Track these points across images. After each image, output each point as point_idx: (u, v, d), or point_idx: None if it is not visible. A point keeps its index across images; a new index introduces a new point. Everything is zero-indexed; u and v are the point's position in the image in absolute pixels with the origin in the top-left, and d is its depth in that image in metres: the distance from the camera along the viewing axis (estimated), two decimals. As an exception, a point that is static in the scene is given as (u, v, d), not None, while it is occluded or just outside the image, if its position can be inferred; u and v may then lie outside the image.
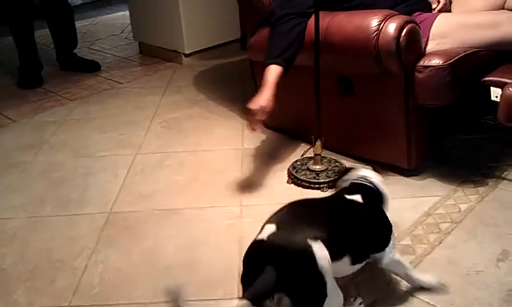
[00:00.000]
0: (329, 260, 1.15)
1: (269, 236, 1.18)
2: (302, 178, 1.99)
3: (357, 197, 1.36)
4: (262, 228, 1.22)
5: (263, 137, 2.39)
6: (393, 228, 1.38)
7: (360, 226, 1.32)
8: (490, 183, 1.92)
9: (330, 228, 1.22)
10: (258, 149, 2.29)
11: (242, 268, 1.19)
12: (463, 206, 1.80)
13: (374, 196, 1.41)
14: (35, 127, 2.70)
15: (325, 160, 2.06)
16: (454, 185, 1.92)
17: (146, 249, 1.70)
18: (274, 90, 1.87)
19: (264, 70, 1.93)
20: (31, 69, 3.36)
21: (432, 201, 1.84)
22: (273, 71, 1.90)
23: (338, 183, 1.51)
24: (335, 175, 1.98)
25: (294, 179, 2.01)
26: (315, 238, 1.15)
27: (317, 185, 1.96)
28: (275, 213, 1.27)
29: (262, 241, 1.18)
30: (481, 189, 1.89)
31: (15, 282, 1.59)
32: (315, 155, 2.02)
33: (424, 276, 1.42)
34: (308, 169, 2.03)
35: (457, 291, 1.43)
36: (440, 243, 1.62)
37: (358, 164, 1.81)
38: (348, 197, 1.37)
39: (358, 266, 1.31)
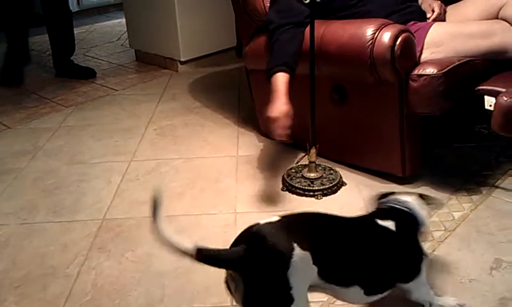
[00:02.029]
0: (310, 274, 1.09)
1: (264, 223, 1.12)
2: (296, 185, 1.99)
3: (389, 224, 1.27)
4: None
5: (258, 144, 2.40)
6: (426, 260, 1.32)
7: (381, 256, 1.23)
8: (484, 192, 1.92)
9: (336, 249, 1.15)
10: (253, 157, 2.29)
11: None
12: (457, 215, 1.80)
13: (410, 224, 1.32)
14: (29, 134, 2.69)
15: (320, 168, 2.06)
16: (448, 193, 1.92)
17: (139, 256, 1.70)
18: (288, 96, 1.86)
19: (270, 79, 1.91)
20: (16, 66, 3.44)
21: (426, 209, 1.84)
22: (282, 78, 1.89)
23: (376, 204, 1.41)
24: (329, 183, 1.98)
25: (288, 186, 2.01)
26: (304, 247, 1.07)
27: (311, 193, 1.96)
28: (297, 214, 1.21)
29: (256, 224, 1.12)
30: (475, 197, 1.89)
31: (7, 289, 1.58)
32: (310, 162, 2.02)
33: (445, 301, 1.39)
34: (302, 176, 2.03)
35: (451, 300, 1.43)
36: (434, 251, 1.62)
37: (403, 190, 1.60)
38: (379, 222, 1.27)
39: (376, 297, 1.24)
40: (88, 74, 3.55)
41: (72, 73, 3.55)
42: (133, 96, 3.16)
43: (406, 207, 1.34)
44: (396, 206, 1.35)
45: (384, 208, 1.36)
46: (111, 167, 2.28)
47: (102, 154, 2.42)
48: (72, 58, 3.60)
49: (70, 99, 3.15)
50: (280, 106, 1.83)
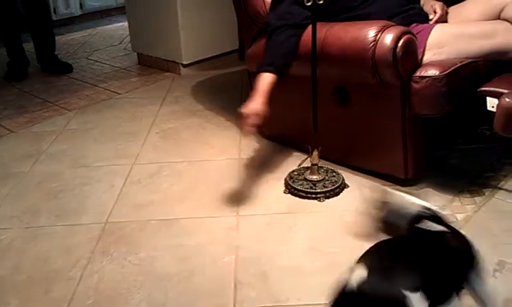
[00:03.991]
0: None
1: (359, 285, 1.02)
2: (299, 188, 1.98)
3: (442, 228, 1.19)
4: (352, 269, 1.07)
5: (260, 147, 2.39)
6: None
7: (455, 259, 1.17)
8: (487, 193, 1.92)
9: (429, 271, 1.07)
10: (255, 159, 2.29)
11: None
12: (460, 216, 1.79)
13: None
14: (33, 137, 2.70)
15: (322, 170, 2.06)
16: (451, 194, 1.92)
17: (142, 259, 1.70)
18: (266, 97, 1.89)
19: (256, 77, 1.95)
20: (17, 64, 3.69)
21: (429, 211, 1.83)
22: (265, 79, 1.93)
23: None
24: (332, 185, 1.98)
25: (290, 189, 2.01)
26: (413, 288, 1.00)
27: (313, 195, 1.95)
28: (366, 253, 1.12)
29: (351, 292, 1.03)
30: (478, 199, 1.89)
31: (10, 292, 1.58)
32: (312, 165, 2.02)
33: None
34: (305, 179, 2.02)
35: (454, 302, 1.42)
36: (437, 253, 1.62)
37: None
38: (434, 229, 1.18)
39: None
40: (67, 69, 3.78)
41: (54, 67, 3.78)
42: (136, 100, 3.17)
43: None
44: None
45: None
46: (113, 171, 2.28)
47: (105, 157, 2.42)
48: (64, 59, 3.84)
49: (72, 102, 3.16)
50: (254, 105, 1.88)
